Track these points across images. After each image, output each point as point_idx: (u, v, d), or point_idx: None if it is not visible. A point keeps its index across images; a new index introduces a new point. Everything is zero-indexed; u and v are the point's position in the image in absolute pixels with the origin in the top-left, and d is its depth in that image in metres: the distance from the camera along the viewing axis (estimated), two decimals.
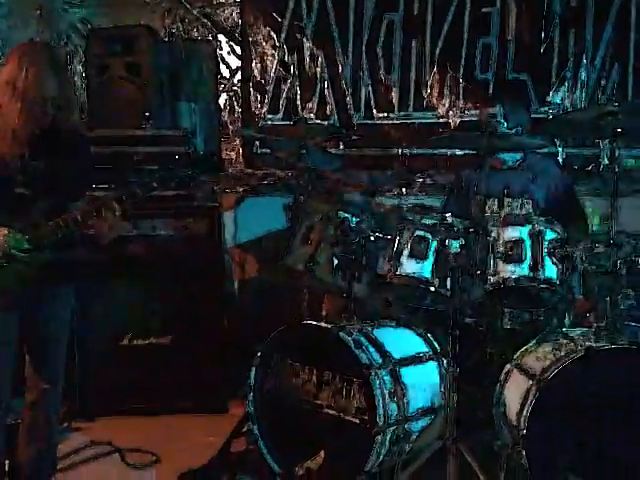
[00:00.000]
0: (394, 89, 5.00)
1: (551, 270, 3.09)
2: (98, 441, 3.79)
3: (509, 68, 4.82)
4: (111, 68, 4.57)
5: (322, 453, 3.14)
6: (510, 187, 3.79)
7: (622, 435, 2.86)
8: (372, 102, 5.03)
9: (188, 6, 5.22)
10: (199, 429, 3.97)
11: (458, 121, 4.91)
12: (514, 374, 3.20)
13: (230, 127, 5.24)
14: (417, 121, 4.97)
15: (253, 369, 3.36)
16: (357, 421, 3.05)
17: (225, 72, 5.26)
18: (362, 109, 5.06)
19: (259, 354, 3.35)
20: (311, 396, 3.19)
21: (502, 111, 3.83)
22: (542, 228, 3.10)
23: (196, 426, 4.03)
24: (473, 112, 4.81)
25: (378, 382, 3.01)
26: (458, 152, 4.68)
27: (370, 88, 5.03)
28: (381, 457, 3.06)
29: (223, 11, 5.26)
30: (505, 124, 3.81)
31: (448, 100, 4.92)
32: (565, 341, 3.10)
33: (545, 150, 4.15)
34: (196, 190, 4.53)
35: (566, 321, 3.39)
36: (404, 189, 4.75)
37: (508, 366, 3.24)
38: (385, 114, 5.02)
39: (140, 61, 4.61)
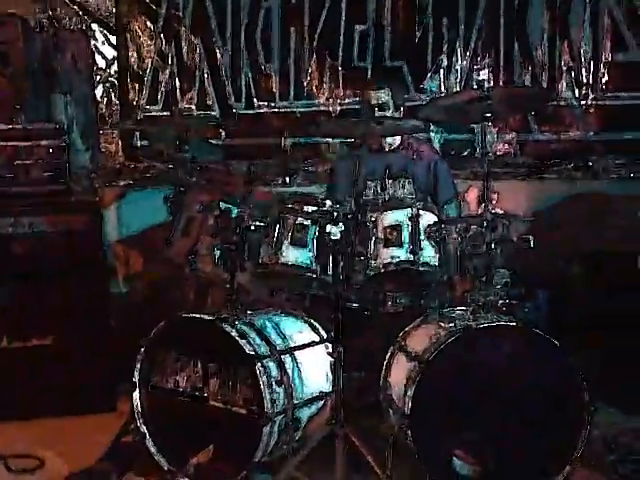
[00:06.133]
0: (274, 78, 5.00)
1: (429, 252, 3.16)
2: None
3: (386, 56, 4.90)
4: None
5: (211, 446, 3.12)
6: (391, 168, 3.88)
7: (503, 412, 2.94)
8: (253, 91, 5.02)
9: None
10: (86, 429, 3.87)
11: (338, 109, 4.95)
12: (398, 356, 3.27)
13: (108, 119, 5.12)
14: (298, 110, 4.98)
15: (138, 364, 3.30)
16: (244, 412, 3.04)
17: (101, 63, 5.12)
18: (243, 99, 5.03)
19: (143, 349, 3.29)
20: (197, 389, 3.15)
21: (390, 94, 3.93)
22: (419, 211, 3.16)
23: (83, 427, 3.93)
24: (353, 100, 4.87)
25: (264, 372, 2.99)
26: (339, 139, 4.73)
27: (250, 77, 5.01)
28: (270, 446, 3.06)
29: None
30: (392, 108, 3.92)
31: (328, 88, 4.96)
32: (445, 321, 3.18)
33: (422, 136, 4.28)
34: (75, 185, 4.43)
35: (446, 302, 3.46)
36: (286, 178, 4.77)
37: (392, 349, 3.31)
38: (266, 103, 5.02)
39: (9, 51, 4.44)
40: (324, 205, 3.14)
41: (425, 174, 4.02)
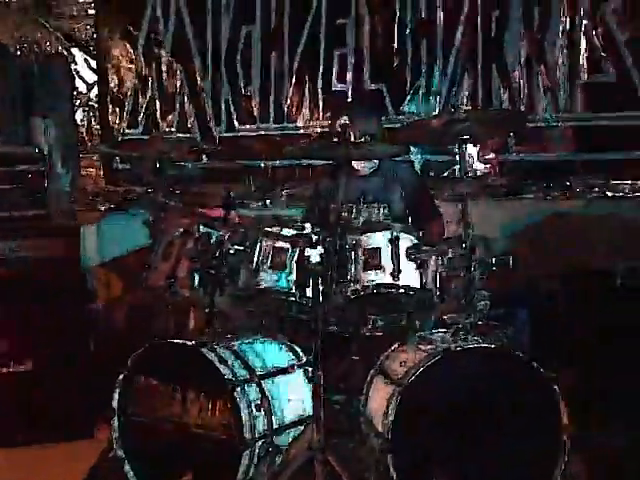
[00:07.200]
0: (254, 101, 5.01)
1: (409, 275, 3.15)
2: None
3: (366, 79, 4.92)
4: None
5: (191, 473, 3.08)
6: (365, 194, 3.86)
7: (484, 434, 2.92)
8: (233, 114, 5.03)
9: (40, 19, 5.06)
10: (63, 457, 3.82)
11: (318, 132, 4.97)
12: (378, 380, 3.25)
13: (88, 143, 5.12)
14: (278, 133, 5.00)
15: (116, 391, 3.27)
16: (224, 437, 3.01)
17: (81, 86, 5.13)
18: (223, 122, 5.04)
19: (122, 376, 3.26)
20: (177, 415, 3.11)
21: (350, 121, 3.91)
22: (399, 234, 3.16)
23: (60, 454, 3.88)
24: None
25: (243, 396, 2.97)
26: (318, 162, 4.73)
27: (230, 100, 5.03)
28: (251, 472, 3.03)
29: (77, 24, 5.13)
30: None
31: (308, 111, 4.98)
32: (425, 344, 3.17)
33: (401, 158, 4.28)
34: (54, 209, 4.41)
35: (427, 324, 3.45)
36: (266, 201, 4.77)
37: (372, 372, 3.30)
38: (246, 126, 5.03)
39: None
40: (303, 228, 3.14)
41: (400, 202, 4.02)
